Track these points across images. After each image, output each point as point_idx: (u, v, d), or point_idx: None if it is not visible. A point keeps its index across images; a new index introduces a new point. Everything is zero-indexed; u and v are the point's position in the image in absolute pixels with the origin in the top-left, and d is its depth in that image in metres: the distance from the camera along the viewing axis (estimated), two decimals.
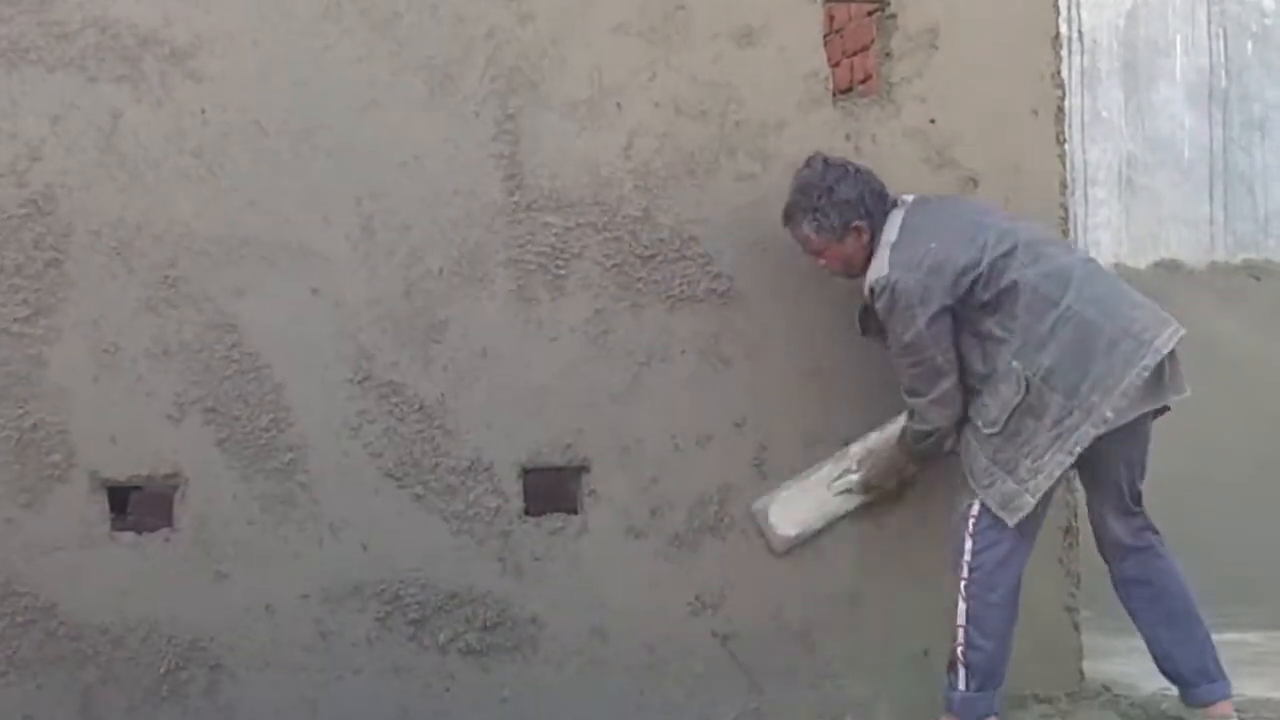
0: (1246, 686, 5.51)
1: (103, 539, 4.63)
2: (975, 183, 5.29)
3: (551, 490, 5.05)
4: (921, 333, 4.71)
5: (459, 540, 4.87)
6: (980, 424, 4.72)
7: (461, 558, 4.87)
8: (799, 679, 5.13)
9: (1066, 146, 5.52)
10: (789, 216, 4.94)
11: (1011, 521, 4.67)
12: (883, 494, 5.11)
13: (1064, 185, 5.48)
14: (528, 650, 4.92)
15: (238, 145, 4.74)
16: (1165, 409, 4.80)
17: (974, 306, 4.72)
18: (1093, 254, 7.81)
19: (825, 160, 4.93)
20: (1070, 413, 4.60)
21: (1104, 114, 8.12)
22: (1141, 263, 7.97)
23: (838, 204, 4.85)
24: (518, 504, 4.93)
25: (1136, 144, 8.13)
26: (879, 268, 4.80)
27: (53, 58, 4.59)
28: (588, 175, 4.99)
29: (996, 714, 4.82)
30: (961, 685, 4.74)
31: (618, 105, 5.02)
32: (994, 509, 4.68)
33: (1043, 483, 4.64)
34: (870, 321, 4.91)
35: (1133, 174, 8.13)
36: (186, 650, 4.66)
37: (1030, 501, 4.65)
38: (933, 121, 5.28)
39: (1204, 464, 7.40)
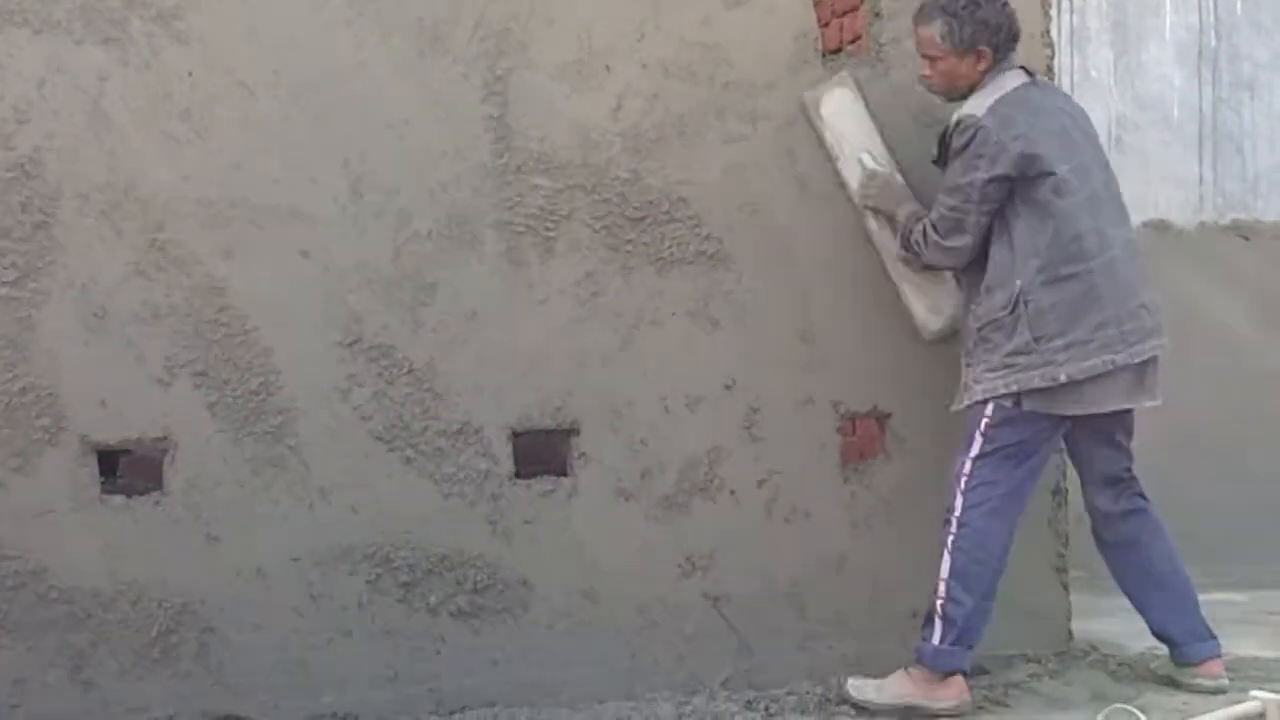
0: (1235, 646, 5.54)
1: (93, 502, 4.62)
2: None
3: (541, 453, 5.05)
4: (975, 184, 4.76)
5: (449, 503, 4.87)
6: (972, 310, 4.86)
7: (452, 520, 4.87)
8: (789, 640, 5.15)
9: None
10: (923, 11, 4.93)
11: (952, 407, 4.90)
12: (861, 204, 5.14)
13: None
14: (518, 612, 4.93)
15: (225, 107, 4.71)
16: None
17: (1026, 198, 4.76)
18: None
19: None
20: (1030, 353, 4.69)
21: (1093, 73, 8.08)
22: (1131, 223, 7.95)
23: (978, 20, 4.85)
24: (508, 466, 4.93)
25: (1126, 104, 8.11)
26: (977, 105, 4.82)
27: (38, 20, 4.56)
28: (577, 137, 4.98)
29: (966, 673, 4.84)
30: (936, 638, 4.76)
31: (607, 67, 5.01)
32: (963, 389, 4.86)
33: (976, 394, 4.80)
34: (943, 152, 4.94)
35: (1122, 134, 8.10)
36: (178, 613, 4.66)
37: (962, 404, 4.86)
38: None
39: (1190, 424, 7.42)
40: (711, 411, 5.08)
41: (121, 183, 4.62)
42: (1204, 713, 4.34)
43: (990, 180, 4.74)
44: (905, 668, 4.85)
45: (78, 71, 4.59)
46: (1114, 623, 5.24)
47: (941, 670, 4.77)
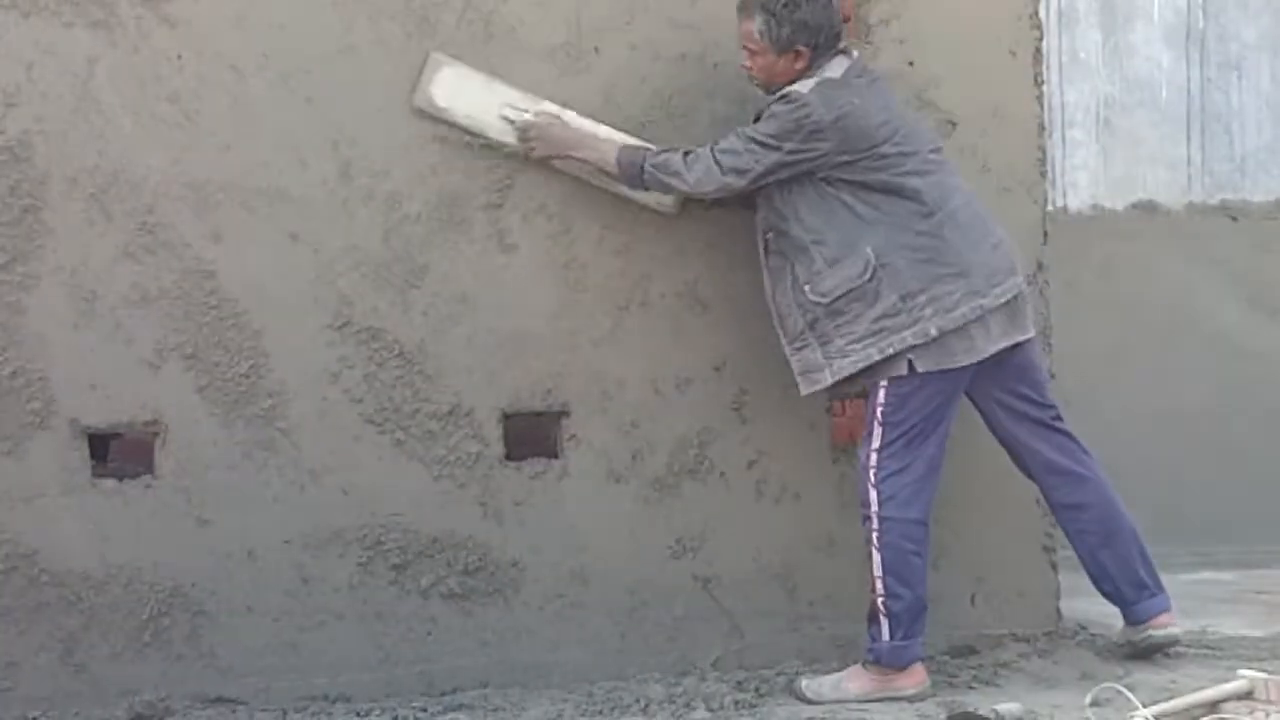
0: (1223, 624, 5.58)
1: (84, 486, 4.62)
2: (953, 124, 5.30)
3: (532, 435, 5.05)
4: (773, 148, 4.75)
5: (440, 485, 4.88)
6: (808, 290, 4.78)
7: (442, 503, 4.88)
8: (779, 621, 5.17)
9: (1044, 87, 5.55)
10: (745, 5, 4.90)
11: (804, 390, 4.85)
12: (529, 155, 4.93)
13: (1042, 126, 5.51)
14: (509, 594, 4.94)
15: (214, 90, 4.71)
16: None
17: (859, 172, 4.76)
18: (1070, 195, 7.85)
19: None
20: (896, 314, 4.71)
21: (1081, 55, 8.08)
22: (1119, 204, 7.97)
23: (795, 21, 4.82)
24: (498, 449, 4.94)
25: (1114, 85, 8.11)
26: (804, 86, 4.81)
27: (27, 3, 4.54)
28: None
29: (923, 659, 4.86)
30: (886, 635, 4.78)
31: (596, 49, 5.00)
32: (795, 373, 4.83)
33: (846, 367, 4.76)
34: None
35: (1110, 115, 8.10)
36: (169, 596, 4.66)
37: (828, 379, 4.81)
38: (911, 64, 5.29)
39: (1177, 403, 7.44)
40: (701, 393, 5.09)
41: (111, 166, 4.62)
42: (1192, 691, 4.36)
43: (794, 150, 4.74)
44: (861, 662, 4.85)
45: (66, 54, 4.59)
46: (1102, 602, 5.25)
47: (899, 665, 4.79)
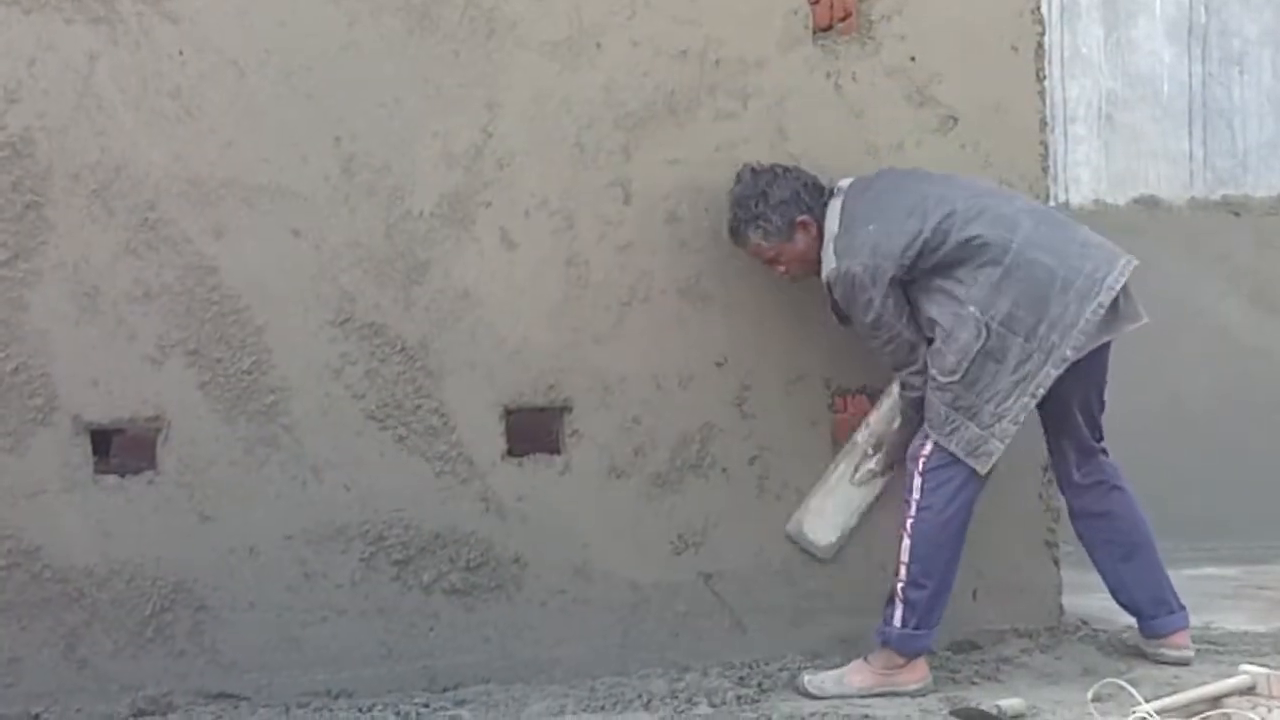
0: (1225, 620, 5.57)
1: (86, 482, 4.63)
2: (955, 120, 5.30)
3: (534, 431, 5.06)
4: (881, 312, 4.76)
5: (442, 481, 4.88)
6: (936, 373, 4.73)
7: (444, 498, 4.88)
8: (781, 616, 5.17)
9: (1046, 83, 5.54)
10: (735, 233, 4.98)
11: (981, 467, 4.71)
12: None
13: (1044, 122, 5.49)
14: (511, 590, 4.94)
15: (216, 87, 4.71)
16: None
17: (925, 271, 4.75)
18: (1072, 191, 7.84)
19: (752, 169, 4.97)
20: (1030, 356, 4.64)
21: (1084, 50, 8.08)
22: (1121, 199, 7.97)
23: (776, 206, 4.88)
24: (500, 444, 4.94)
25: (1116, 80, 8.10)
26: (828, 261, 4.84)
27: (29, 0, 4.55)
28: (568, 115, 4.97)
29: (932, 652, 4.86)
30: (898, 622, 4.77)
31: (597, 45, 5.01)
32: (961, 455, 4.70)
33: (1008, 427, 4.68)
34: (841, 312, 4.94)
35: (1112, 110, 8.10)
36: (171, 592, 4.67)
37: (999, 447, 4.69)
38: (913, 59, 5.28)
39: (1179, 399, 7.44)
40: (703, 389, 5.09)
41: (112, 162, 4.62)
42: (1195, 686, 4.36)
43: (885, 297, 4.74)
44: (864, 656, 4.85)
45: (68, 50, 4.59)
46: (1105, 598, 5.25)
47: (907, 653, 4.78)
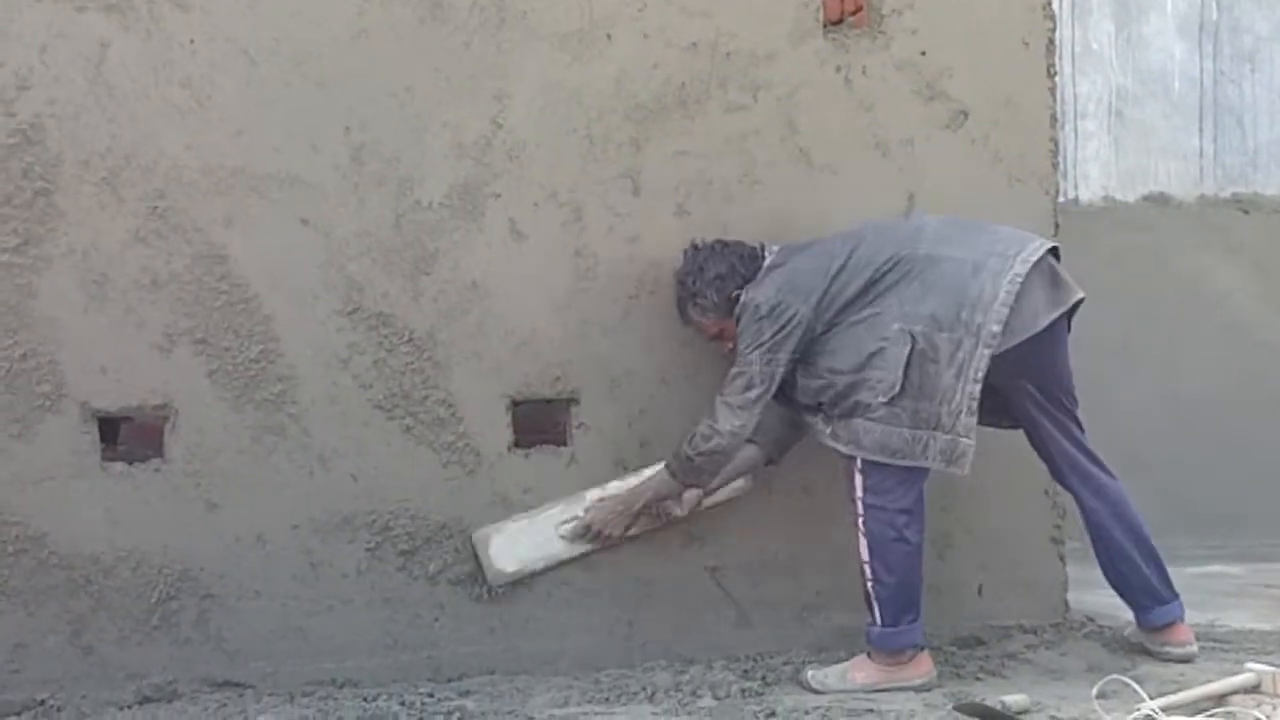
0: (1231, 618, 5.57)
1: (93, 469, 4.63)
2: (965, 115, 5.29)
3: (541, 422, 5.06)
4: (758, 343, 4.73)
5: (448, 471, 4.88)
6: (880, 399, 4.66)
7: (451, 489, 4.88)
8: (786, 610, 5.17)
9: (1057, 79, 5.53)
10: (680, 313, 4.99)
11: (962, 470, 4.67)
12: (609, 543, 5.01)
13: (1054, 118, 5.48)
14: (516, 581, 4.94)
15: (226, 75, 4.71)
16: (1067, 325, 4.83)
17: (843, 306, 4.73)
18: (1082, 187, 7.84)
19: (695, 246, 4.96)
20: (960, 343, 4.63)
21: (1094, 46, 8.08)
22: (1130, 196, 7.97)
23: (711, 281, 4.88)
24: (507, 436, 4.94)
25: (1127, 76, 8.10)
26: (743, 295, 4.82)
27: None
28: (578, 107, 4.97)
29: (920, 646, 4.84)
30: (877, 620, 4.77)
31: (608, 36, 5.00)
32: (941, 468, 4.68)
33: (968, 420, 4.64)
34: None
35: (1122, 106, 8.10)
36: (177, 580, 4.68)
37: (969, 444, 4.65)
38: (923, 53, 5.28)
39: (1188, 395, 7.44)
40: (710, 382, 5.08)
41: (123, 150, 4.62)
42: (1200, 684, 4.36)
43: (774, 336, 4.72)
44: (867, 652, 4.84)
45: (79, 38, 4.59)
46: (1110, 594, 5.24)
47: (891, 650, 4.78)
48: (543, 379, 4.97)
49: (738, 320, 4.81)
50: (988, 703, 4.43)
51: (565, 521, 4.97)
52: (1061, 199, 5.93)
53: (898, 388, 4.63)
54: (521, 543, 4.94)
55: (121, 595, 4.64)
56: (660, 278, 5.03)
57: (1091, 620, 5.44)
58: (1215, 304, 7.71)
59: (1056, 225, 5.38)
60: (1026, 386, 4.89)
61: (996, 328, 4.62)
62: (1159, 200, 7.95)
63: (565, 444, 5.03)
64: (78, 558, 4.60)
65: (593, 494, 4.99)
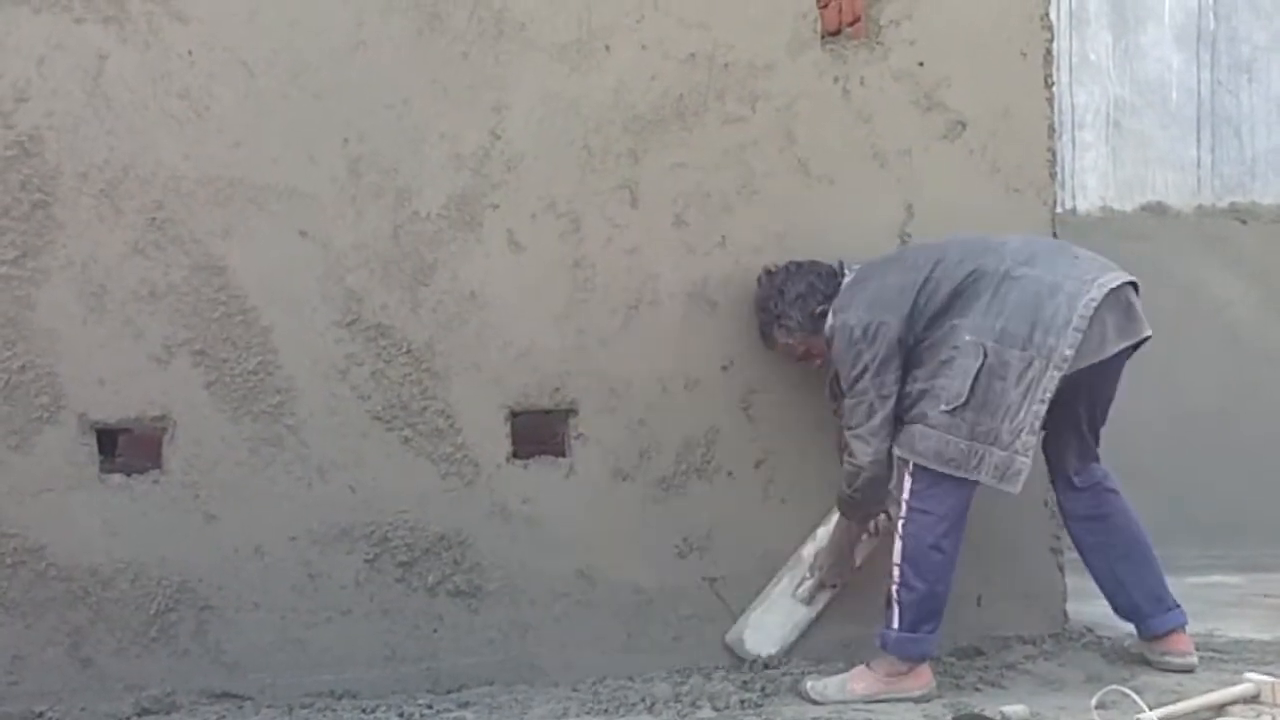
0: (1230, 628, 5.57)
1: (91, 481, 4.63)
2: (963, 125, 5.30)
3: (539, 433, 5.06)
4: (867, 367, 4.76)
5: (447, 483, 4.88)
6: (942, 406, 4.68)
7: (449, 500, 4.88)
8: None
9: (1054, 89, 5.53)
10: (765, 337, 5.06)
11: (1014, 489, 4.68)
12: (846, 581, 5.12)
13: (1051, 128, 5.49)
14: (515, 592, 4.94)
15: (224, 86, 4.71)
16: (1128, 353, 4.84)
17: (929, 321, 4.76)
18: (1079, 197, 7.84)
19: (768, 271, 5.02)
20: (1030, 363, 4.62)
21: (1092, 56, 8.09)
22: (1128, 206, 7.98)
23: (793, 301, 4.94)
24: (506, 447, 4.94)
25: (1124, 87, 8.11)
26: (828, 320, 4.89)
27: None
28: (576, 118, 4.98)
29: (933, 656, 4.85)
30: (895, 624, 4.75)
31: (606, 47, 5.01)
32: (993, 484, 4.68)
33: (1028, 439, 4.64)
34: (836, 387, 4.97)
35: (1120, 117, 8.11)
36: (176, 591, 4.67)
37: (1025, 463, 4.65)
38: (921, 64, 5.29)
39: (1187, 405, 7.44)
40: (709, 392, 5.09)
41: (121, 161, 4.63)
42: (1199, 694, 4.36)
43: (876, 356, 4.76)
44: (867, 663, 4.83)
45: (78, 50, 4.60)
46: (1109, 605, 5.25)
47: (905, 657, 4.77)
48: (541, 389, 4.97)
49: (829, 342, 4.88)
50: (987, 713, 4.42)
51: (798, 586, 5.10)
52: (1059, 209, 5.93)
53: (963, 399, 4.65)
54: (770, 624, 5.09)
55: (120, 607, 4.64)
56: (659, 288, 5.03)
57: (1090, 631, 5.44)
58: (1213, 313, 7.71)
59: (1054, 235, 5.38)
60: (1077, 407, 4.91)
61: (1069, 351, 4.62)
62: (1157, 210, 7.95)
63: (564, 454, 5.03)
64: (76, 569, 4.60)
65: (806, 551, 5.12)
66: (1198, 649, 5.10)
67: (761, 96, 5.12)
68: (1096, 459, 5.09)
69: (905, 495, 4.75)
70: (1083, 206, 7.92)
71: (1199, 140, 8.17)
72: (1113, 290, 4.73)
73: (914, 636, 4.75)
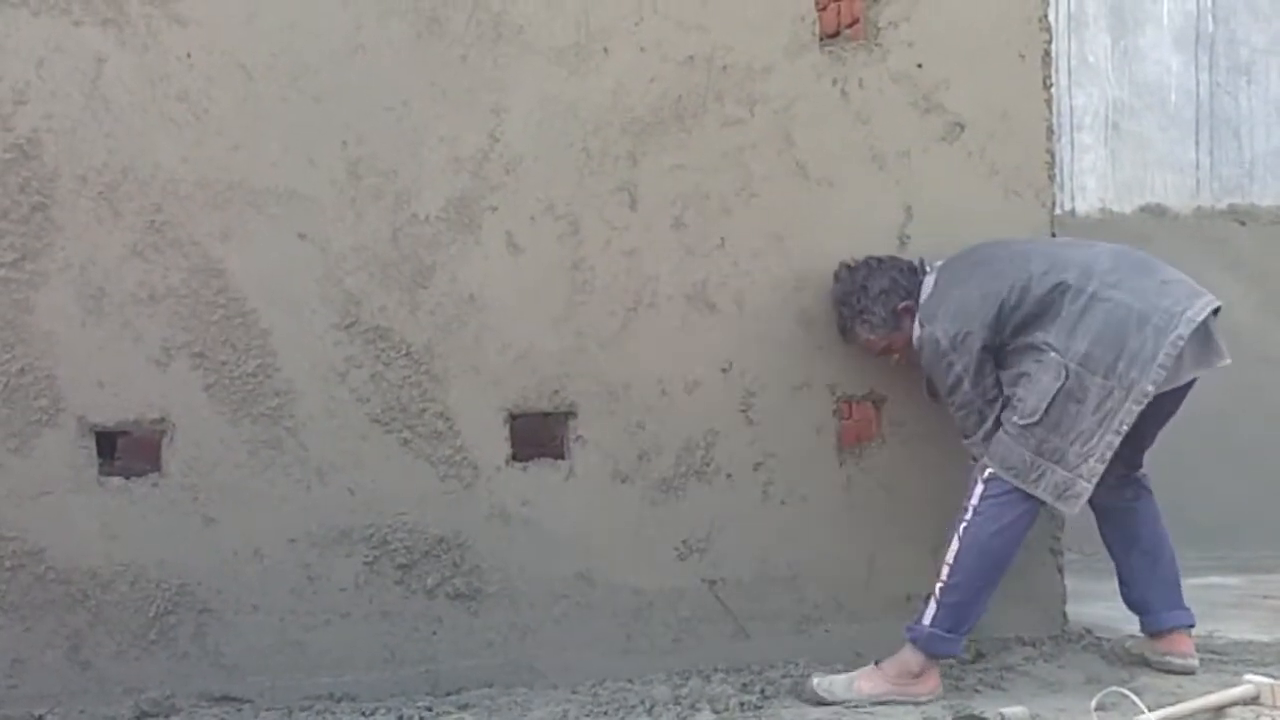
0: (1229, 630, 5.57)
1: (90, 483, 4.63)
2: (961, 127, 5.30)
3: (539, 435, 5.06)
4: (961, 377, 4.80)
5: (446, 485, 4.88)
6: (1017, 419, 4.70)
7: (449, 502, 4.88)
8: (785, 622, 5.17)
9: (1053, 91, 5.53)
10: (844, 332, 5.10)
11: (1070, 510, 4.70)
12: None
13: (1050, 130, 5.49)
14: (514, 594, 4.94)
15: (223, 89, 4.71)
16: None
17: (1014, 329, 4.77)
18: (1078, 199, 7.84)
19: (848, 267, 5.06)
20: (1110, 393, 4.62)
21: (1091, 58, 8.09)
22: (1127, 208, 7.98)
23: (876, 297, 4.99)
24: (505, 449, 4.94)
25: (1123, 89, 8.11)
26: (915, 329, 4.93)
27: (37, 1, 4.55)
28: (575, 120, 4.98)
29: (958, 656, 4.87)
30: (928, 620, 4.74)
31: (605, 50, 5.01)
32: (1050, 500, 4.69)
33: (1096, 466, 4.65)
34: (933, 387, 5.02)
35: (1119, 119, 8.11)
36: (175, 594, 4.67)
37: (1086, 487, 4.66)
38: (920, 66, 5.29)
39: (1186, 407, 7.41)
40: (708, 395, 5.09)
41: (120, 164, 4.62)
42: (1198, 696, 4.36)
43: (968, 364, 4.79)
44: (875, 662, 4.83)
45: (76, 52, 4.59)
46: (1109, 607, 5.25)
47: (931, 654, 4.76)
48: (540, 392, 4.97)
49: (919, 353, 4.91)
50: (986, 715, 4.42)
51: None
52: (1058, 211, 5.94)
53: (1037, 418, 4.66)
54: None
55: (119, 610, 4.63)
56: (658, 290, 5.03)
57: (1090, 632, 5.44)
58: None
59: (1053, 237, 5.38)
60: (1140, 425, 4.84)
61: (1151, 388, 4.62)
62: (1155, 212, 7.96)
63: (563, 457, 5.03)
64: (75, 572, 4.60)
65: None
66: (1197, 650, 5.10)
67: (760, 99, 5.12)
68: (1140, 465, 5.11)
69: (974, 500, 4.75)
70: (1081, 208, 7.92)
71: (1198, 142, 8.17)
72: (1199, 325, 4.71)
73: (947, 636, 4.75)
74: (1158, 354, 4.63)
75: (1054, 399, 4.66)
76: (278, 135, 4.75)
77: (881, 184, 5.25)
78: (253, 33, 4.73)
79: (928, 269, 5.02)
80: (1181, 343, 4.65)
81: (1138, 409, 4.63)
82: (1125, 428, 4.64)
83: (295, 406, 4.76)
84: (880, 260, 5.04)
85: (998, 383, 4.81)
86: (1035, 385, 4.69)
